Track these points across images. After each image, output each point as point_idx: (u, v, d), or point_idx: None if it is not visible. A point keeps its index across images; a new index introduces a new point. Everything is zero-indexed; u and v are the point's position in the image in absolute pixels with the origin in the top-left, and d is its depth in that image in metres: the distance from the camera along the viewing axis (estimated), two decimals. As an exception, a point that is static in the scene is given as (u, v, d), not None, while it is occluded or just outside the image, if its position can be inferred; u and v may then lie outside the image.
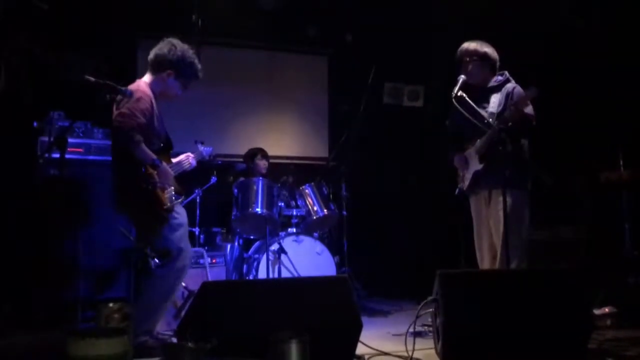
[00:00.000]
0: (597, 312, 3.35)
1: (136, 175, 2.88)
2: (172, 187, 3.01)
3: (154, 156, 2.92)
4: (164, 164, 2.99)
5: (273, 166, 5.33)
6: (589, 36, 4.84)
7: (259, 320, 2.27)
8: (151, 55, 3.13)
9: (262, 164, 5.17)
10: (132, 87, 3.01)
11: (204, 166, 4.66)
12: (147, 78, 3.13)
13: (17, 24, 4.06)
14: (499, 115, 3.19)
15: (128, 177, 2.93)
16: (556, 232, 4.49)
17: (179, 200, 3.06)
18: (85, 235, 3.73)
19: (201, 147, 3.77)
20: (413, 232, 5.72)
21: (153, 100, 3.03)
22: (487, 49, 3.38)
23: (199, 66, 3.17)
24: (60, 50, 4.48)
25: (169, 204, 2.94)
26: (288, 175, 5.16)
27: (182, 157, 3.34)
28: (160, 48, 3.11)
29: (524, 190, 3.21)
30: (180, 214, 3.06)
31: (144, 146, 2.88)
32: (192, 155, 3.42)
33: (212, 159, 4.57)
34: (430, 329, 2.79)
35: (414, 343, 2.59)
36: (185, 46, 3.13)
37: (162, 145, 3.14)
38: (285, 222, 4.64)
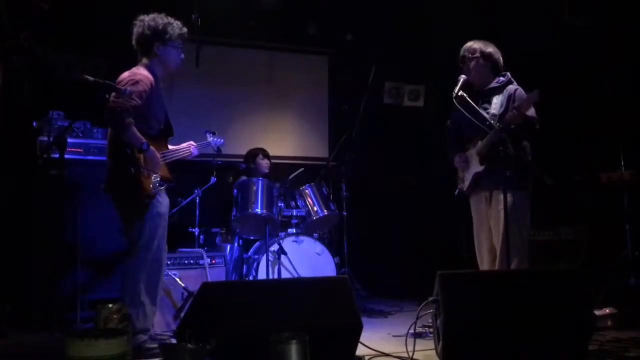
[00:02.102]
0: (597, 313, 3.34)
1: (123, 158, 2.84)
2: (159, 174, 2.93)
3: (143, 140, 2.85)
4: (152, 149, 2.90)
5: (273, 166, 5.32)
6: (589, 36, 4.83)
7: (258, 322, 2.26)
8: (133, 42, 3.12)
9: (265, 163, 5.16)
10: (132, 70, 3.01)
11: (203, 166, 4.66)
12: (144, 62, 3.10)
13: (17, 24, 4.05)
14: (501, 117, 3.18)
15: (116, 160, 2.90)
16: (557, 232, 4.48)
17: (163, 187, 2.97)
18: (84, 235, 3.74)
19: (210, 138, 3.66)
20: (413, 232, 5.71)
21: (153, 83, 3.00)
22: (491, 49, 3.38)
23: (178, 22, 3.15)
24: (60, 50, 4.48)
25: (152, 191, 2.87)
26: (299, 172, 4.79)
27: (182, 145, 3.30)
28: (135, 31, 3.09)
29: (525, 190, 3.20)
30: (162, 203, 2.99)
31: (134, 129, 2.82)
32: (194, 144, 3.37)
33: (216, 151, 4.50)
34: (431, 329, 2.77)
35: (415, 344, 2.59)
36: (154, 14, 3.10)
37: (161, 128, 3.11)
38: (285, 223, 4.63)
